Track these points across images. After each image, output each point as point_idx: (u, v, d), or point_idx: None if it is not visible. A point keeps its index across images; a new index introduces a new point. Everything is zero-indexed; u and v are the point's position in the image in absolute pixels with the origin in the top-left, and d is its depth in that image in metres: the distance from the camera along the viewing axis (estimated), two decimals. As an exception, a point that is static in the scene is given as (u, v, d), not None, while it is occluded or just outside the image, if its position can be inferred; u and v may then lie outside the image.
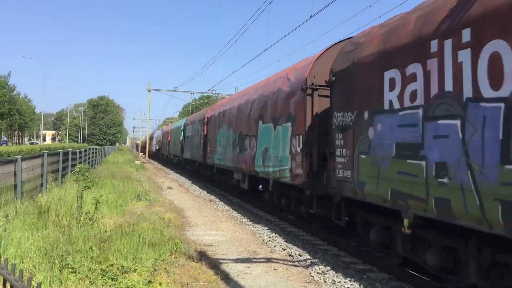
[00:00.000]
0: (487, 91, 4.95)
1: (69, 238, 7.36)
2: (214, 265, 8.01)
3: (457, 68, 5.41)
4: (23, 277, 2.86)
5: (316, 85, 10.01)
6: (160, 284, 6.27)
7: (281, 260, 8.79)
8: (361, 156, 7.58)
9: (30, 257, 6.36)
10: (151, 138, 69.71)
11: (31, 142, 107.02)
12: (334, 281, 7.53)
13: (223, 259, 8.55)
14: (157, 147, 60.70)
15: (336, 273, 8.00)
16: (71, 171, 16.96)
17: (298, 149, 10.30)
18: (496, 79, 4.83)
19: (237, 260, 8.55)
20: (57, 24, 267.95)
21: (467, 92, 5.23)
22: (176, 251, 8.09)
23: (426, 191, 5.84)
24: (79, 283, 5.89)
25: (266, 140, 12.63)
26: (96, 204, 9.75)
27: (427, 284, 7.19)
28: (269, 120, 12.46)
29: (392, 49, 6.83)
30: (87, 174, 10.61)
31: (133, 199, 14.87)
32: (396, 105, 6.62)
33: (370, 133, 7.31)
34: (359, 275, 7.87)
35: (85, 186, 10.52)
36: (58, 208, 9.87)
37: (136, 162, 36.67)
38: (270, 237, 11.04)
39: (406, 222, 7.04)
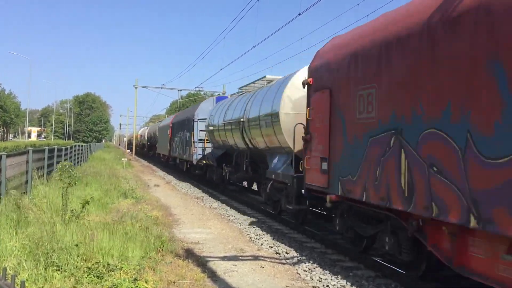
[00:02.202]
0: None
1: (54, 236, 7.28)
2: (201, 262, 7.99)
3: None
4: (6, 275, 2.82)
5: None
6: (146, 281, 6.24)
7: (268, 257, 8.79)
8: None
9: (14, 255, 6.27)
10: (181, 125, 28.46)
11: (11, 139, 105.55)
12: (321, 278, 7.55)
13: (210, 257, 8.53)
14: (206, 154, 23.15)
15: (323, 270, 8.03)
16: (57, 168, 16.79)
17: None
18: None
19: (224, 258, 8.54)
20: (44, 21, 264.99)
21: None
22: (162, 249, 8.06)
23: None
24: (64, 281, 5.82)
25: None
26: (84, 205, 9.66)
27: (413, 281, 7.25)
28: None
29: None
30: (70, 170, 10.47)
31: (119, 197, 14.77)
32: None
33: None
34: (345, 273, 7.91)
35: (69, 183, 10.41)
36: (43, 206, 9.76)
37: (122, 159, 36.42)
38: (257, 235, 11.04)
39: None
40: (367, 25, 8.15)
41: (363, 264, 8.40)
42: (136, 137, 66.33)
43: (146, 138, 55.93)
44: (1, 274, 2.82)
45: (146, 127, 67.16)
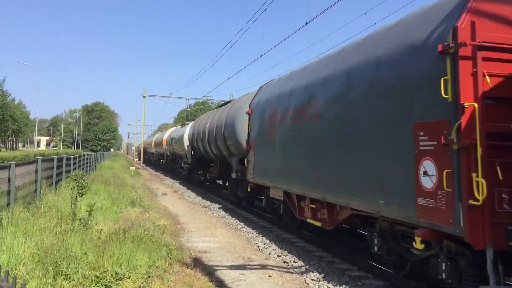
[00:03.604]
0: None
1: (63, 244, 7.32)
2: (209, 271, 7.99)
3: None
4: (16, 283, 2.84)
5: None
6: (154, 291, 6.24)
7: (276, 266, 8.77)
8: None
9: (23, 263, 6.31)
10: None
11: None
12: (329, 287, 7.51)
13: (218, 266, 8.52)
14: None
15: (331, 280, 7.98)
16: (66, 177, 16.89)
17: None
18: None
19: (231, 267, 8.52)
20: (52, 30, 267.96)
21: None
22: (170, 258, 8.07)
23: None
24: (73, 290, 5.85)
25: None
26: (89, 212, 9.70)
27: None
28: None
29: None
30: (82, 181, 10.56)
31: (127, 205, 14.82)
32: None
33: None
34: (354, 282, 7.86)
35: (79, 193, 10.48)
36: (52, 214, 9.82)
37: (130, 168, 36.56)
38: (265, 244, 11.01)
39: None
40: None
41: (372, 273, 8.35)
42: (157, 144, 48.65)
43: (186, 145, 29.54)
44: (11, 282, 2.85)
45: (176, 127, 41.83)
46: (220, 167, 20.69)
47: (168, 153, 40.06)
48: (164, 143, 41.82)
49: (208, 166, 23.85)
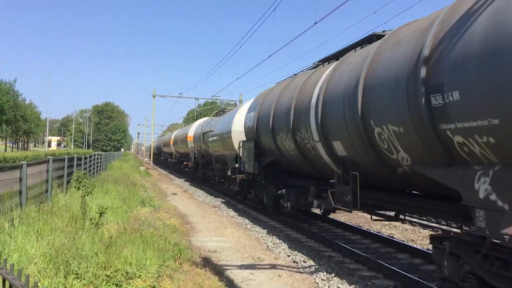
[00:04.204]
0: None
1: (74, 244, 7.37)
2: (219, 271, 8.00)
3: None
4: (28, 282, 2.87)
5: None
6: (164, 290, 6.27)
7: (286, 266, 8.76)
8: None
9: (35, 262, 6.37)
10: None
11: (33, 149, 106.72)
12: (339, 287, 7.49)
13: (228, 266, 8.54)
14: None
15: (340, 279, 7.96)
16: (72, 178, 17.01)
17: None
18: None
19: (241, 267, 8.53)
20: (63, 32, 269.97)
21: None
22: (180, 257, 8.09)
23: None
24: (84, 289, 5.89)
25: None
26: (101, 214, 9.77)
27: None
28: None
29: None
30: (85, 180, 10.63)
31: (137, 205, 14.89)
32: None
33: None
34: (364, 282, 7.83)
35: (86, 192, 10.54)
36: (63, 214, 9.89)
37: (140, 168, 36.72)
38: (274, 244, 11.01)
39: None
40: None
41: (382, 273, 8.32)
42: (178, 142, 38.14)
43: (236, 141, 17.87)
44: (23, 281, 2.88)
45: (209, 117, 29.68)
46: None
47: (196, 154, 28.52)
48: (190, 139, 30.50)
49: (290, 178, 13.28)
